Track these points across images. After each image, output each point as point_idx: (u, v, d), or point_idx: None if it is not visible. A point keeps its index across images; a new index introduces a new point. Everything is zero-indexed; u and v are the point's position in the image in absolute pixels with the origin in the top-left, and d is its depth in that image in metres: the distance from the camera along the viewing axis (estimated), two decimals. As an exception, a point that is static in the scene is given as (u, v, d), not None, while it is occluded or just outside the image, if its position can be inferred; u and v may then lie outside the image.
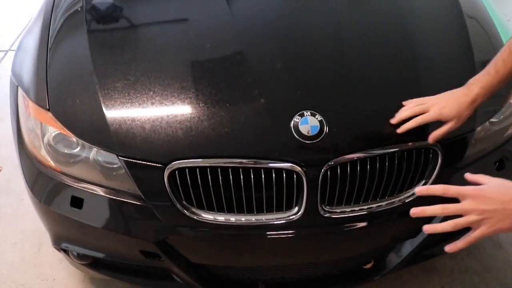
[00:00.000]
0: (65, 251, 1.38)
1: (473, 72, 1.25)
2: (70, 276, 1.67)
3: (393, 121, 1.13)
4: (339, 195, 1.15)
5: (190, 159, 1.09)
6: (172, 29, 1.41)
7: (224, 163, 1.09)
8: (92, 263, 1.39)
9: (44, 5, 1.56)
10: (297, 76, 1.21)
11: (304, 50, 1.28)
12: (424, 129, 1.15)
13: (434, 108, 1.09)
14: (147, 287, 1.53)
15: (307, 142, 1.09)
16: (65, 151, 1.22)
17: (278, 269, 1.42)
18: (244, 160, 1.08)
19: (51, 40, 1.39)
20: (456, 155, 1.21)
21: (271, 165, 1.08)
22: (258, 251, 1.26)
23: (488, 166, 1.32)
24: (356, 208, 1.17)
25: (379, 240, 1.31)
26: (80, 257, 1.37)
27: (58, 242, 1.33)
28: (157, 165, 1.10)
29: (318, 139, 1.09)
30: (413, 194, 1.20)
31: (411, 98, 1.17)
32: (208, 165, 1.09)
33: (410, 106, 1.14)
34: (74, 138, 1.19)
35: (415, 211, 0.85)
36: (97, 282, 1.64)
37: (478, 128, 1.25)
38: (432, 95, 1.18)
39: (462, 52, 1.35)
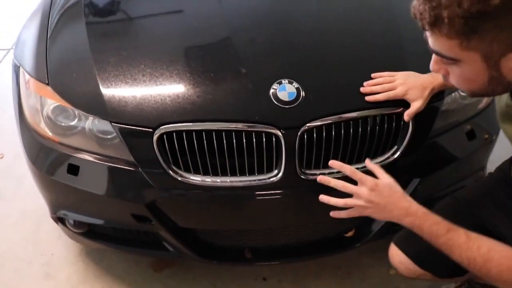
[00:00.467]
0: (62, 221, 1.46)
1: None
2: (67, 250, 1.75)
3: (364, 90, 1.23)
4: (317, 158, 1.24)
5: (177, 123, 1.18)
6: (163, 13, 1.51)
7: (208, 126, 1.18)
8: (87, 232, 1.47)
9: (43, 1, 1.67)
10: (276, 50, 1.31)
11: (283, 27, 1.39)
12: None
13: (402, 88, 1.21)
14: (140, 256, 1.61)
15: (284, 107, 1.18)
16: (63, 123, 1.31)
17: (263, 236, 1.50)
18: (226, 124, 1.17)
19: (51, 24, 1.49)
20: (426, 122, 1.30)
21: (251, 128, 1.17)
22: (241, 213, 1.34)
23: (459, 136, 1.41)
24: (334, 171, 1.25)
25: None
26: (76, 225, 1.45)
27: (56, 210, 1.42)
28: (147, 129, 1.19)
29: (295, 104, 1.19)
30: (387, 158, 1.29)
31: (382, 67, 1.26)
32: (193, 129, 1.18)
33: (380, 81, 1.24)
34: (71, 110, 1.28)
35: (321, 178, 1.07)
36: (93, 255, 1.72)
37: (449, 100, 1.34)
38: (401, 65, 1.28)
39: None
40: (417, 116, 1.25)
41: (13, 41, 3.24)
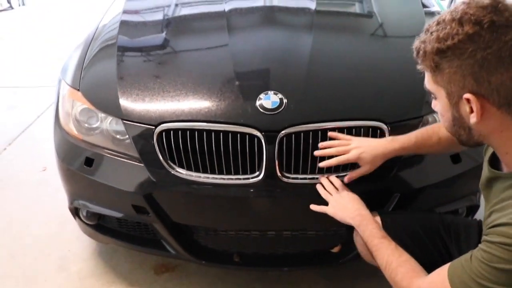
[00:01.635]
0: (77, 212, 1.66)
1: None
2: (83, 248, 1.94)
3: (317, 154, 1.29)
4: (296, 164, 1.36)
5: (175, 122, 1.37)
6: (180, 44, 1.78)
7: (200, 126, 1.35)
8: (97, 226, 1.66)
9: (86, 36, 1.99)
10: (267, 69, 1.51)
11: (275, 52, 1.58)
12: (372, 109, 1.37)
13: (355, 151, 1.25)
14: (140, 251, 1.74)
15: (268, 113, 1.34)
16: (87, 124, 1.55)
17: (252, 243, 1.59)
18: (215, 124, 1.34)
19: (90, 51, 1.78)
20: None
21: (237, 129, 1.33)
22: (226, 211, 1.46)
23: (443, 158, 1.46)
24: (315, 176, 1.36)
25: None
26: (88, 217, 1.63)
27: (73, 199, 1.61)
28: (149, 126, 1.39)
29: (277, 112, 1.34)
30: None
31: (359, 85, 1.41)
32: (188, 127, 1.36)
33: (335, 144, 1.29)
34: (94, 113, 1.52)
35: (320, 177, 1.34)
36: (104, 255, 1.89)
37: (430, 120, 1.43)
38: (377, 85, 1.42)
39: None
40: (393, 130, 1.35)
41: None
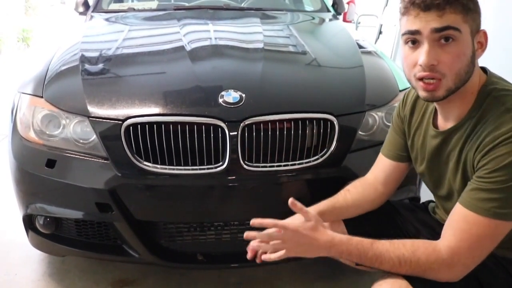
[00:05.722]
0: (32, 222, 1.60)
1: (362, 78, 1.70)
2: (31, 271, 1.83)
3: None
4: (257, 154, 1.47)
5: (142, 117, 1.45)
6: (142, 49, 1.93)
7: (167, 119, 1.44)
8: (53, 235, 1.61)
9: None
10: (227, 71, 1.69)
11: (234, 55, 1.80)
12: (322, 104, 1.55)
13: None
14: (100, 259, 1.69)
15: (229, 106, 1.47)
16: (47, 132, 1.57)
17: (215, 243, 1.63)
18: (181, 117, 1.44)
19: (52, 64, 1.81)
20: (350, 129, 1.56)
21: (202, 121, 1.44)
22: (191, 203, 1.51)
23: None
24: (274, 164, 1.48)
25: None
26: (44, 225, 1.59)
27: (30, 203, 1.56)
28: (117, 121, 1.45)
29: (238, 105, 1.47)
30: (317, 159, 1.52)
31: (310, 84, 1.62)
32: (155, 120, 1.44)
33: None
34: (58, 118, 1.55)
35: (254, 221, 1.05)
36: (55, 276, 1.81)
37: (374, 128, 1.63)
38: (326, 86, 1.65)
39: (354, 61, 1.84)
40: (341, 123, 1.53)
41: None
